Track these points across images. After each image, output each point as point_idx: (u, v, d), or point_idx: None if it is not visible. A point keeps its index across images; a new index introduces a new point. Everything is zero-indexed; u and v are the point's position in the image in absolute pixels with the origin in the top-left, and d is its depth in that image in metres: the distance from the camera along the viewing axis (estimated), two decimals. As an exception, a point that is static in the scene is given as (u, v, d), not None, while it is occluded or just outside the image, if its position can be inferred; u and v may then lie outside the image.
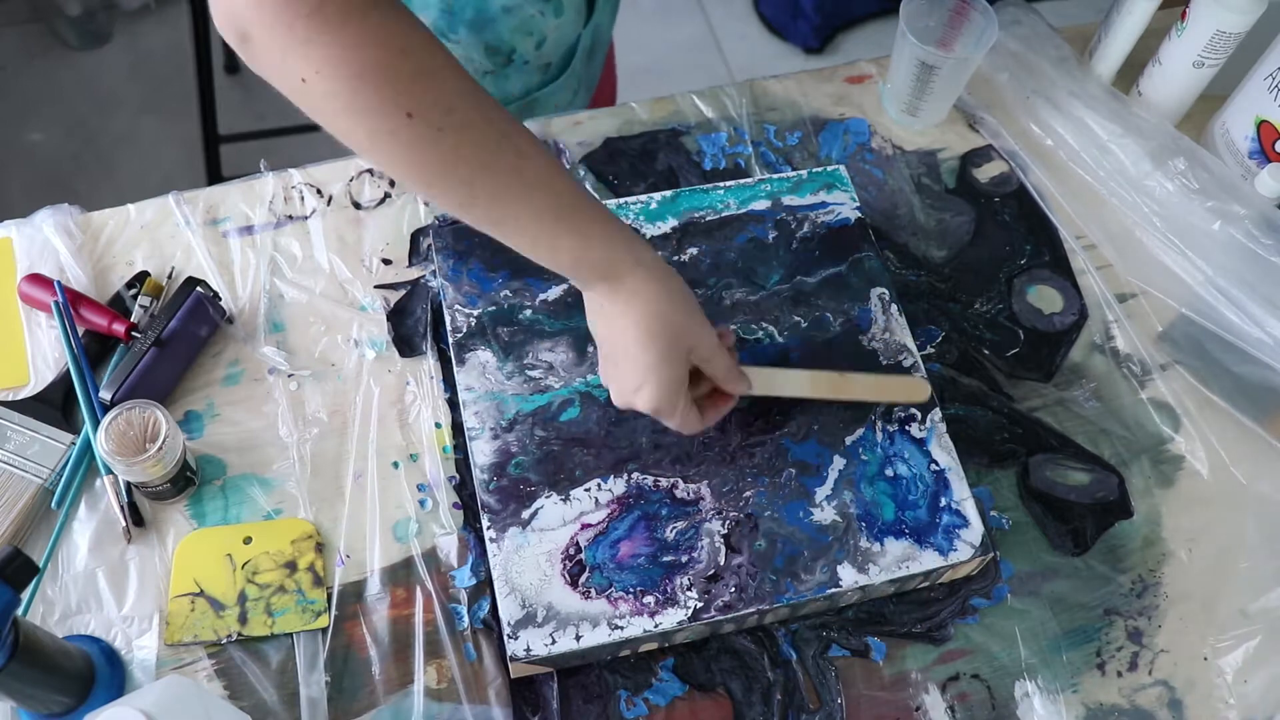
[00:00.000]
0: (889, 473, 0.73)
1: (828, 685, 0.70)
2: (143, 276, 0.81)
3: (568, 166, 0.90)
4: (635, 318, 0.65)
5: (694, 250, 0.82)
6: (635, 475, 0.72)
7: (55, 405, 0.76)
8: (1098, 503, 0.78)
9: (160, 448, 0.68)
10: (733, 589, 0.68)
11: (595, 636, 0.66)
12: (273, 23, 0.53)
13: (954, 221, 0.90)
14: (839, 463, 0.73)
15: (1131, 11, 0.89)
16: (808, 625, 0.72)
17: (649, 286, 0.65)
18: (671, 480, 0.72)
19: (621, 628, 0.67)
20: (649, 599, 0.68)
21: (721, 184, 0.85)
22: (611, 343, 0.67)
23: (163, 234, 0.84)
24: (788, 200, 0.85)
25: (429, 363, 0.80)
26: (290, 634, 0.70)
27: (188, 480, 0.73)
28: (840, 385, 0.74)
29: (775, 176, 0.86)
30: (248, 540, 0.72)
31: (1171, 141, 0.88)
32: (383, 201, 0.87)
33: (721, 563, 0.69)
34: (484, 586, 0.72)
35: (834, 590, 0.69)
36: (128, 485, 0.72)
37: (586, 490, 0.72)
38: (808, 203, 0.84)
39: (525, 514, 0.70)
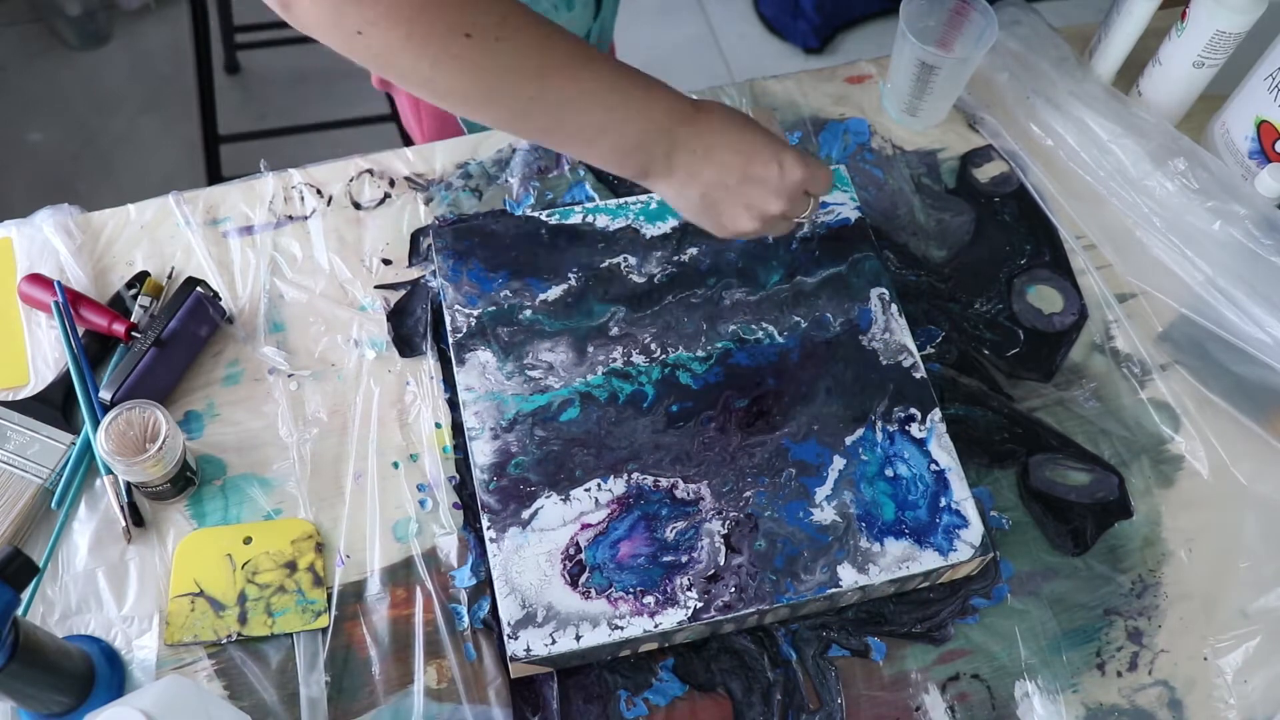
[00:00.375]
0: (889, 473, 0.73)
1: (828, 685, 0.70)
2: (143, 276, 0.81)
3: (568, 167, 0.90)
4: (737, 127, 0.68)
5: (694, 250, 0.82)
6: (635, 475, 0.72)
7: (55, 405, 0.76)
8: (1098, 503, 0.78)
9: (160, 448, 0.68)
10: (733, 589, 0.68)
11: (595, 636, 0.66)
12: None
13: (954, 221, 0.90)
14: (839, 463, 0.73)
15: (1131, 11, 0.89)
16: (808, 625, 0.72)
17: (723, 108, 0.69)
18: (671, 480, 0.72)
19: (621, 628, 0.67)
20: (649, 599, 0.68)
21: (721, 184, 0.85)
22: (728, 166, 0.68)
23: (163, 234, 0.84)
24: (788, 200, 0.84)
25: (429, 363, 0.80)
26: (290, 634, 0.70)
27: (188, 480, 0.73)
28: None
29: (775, 176, 0.86)
30: (248, 540, 0.72)
31: (1171, 141, 0.88)
32: (383, 201, 0.87)
33: (721, 563, 0.69)
34: (484, 586, 0.72)
35: (834, 590, 0.69)
36: (128, 485, 0.72)
37: (586, 490, 0.72)
38: (808, 203, 0.84)
39: (525, 514, 0.70)
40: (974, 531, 0.71)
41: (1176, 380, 0.83)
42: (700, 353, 0.77)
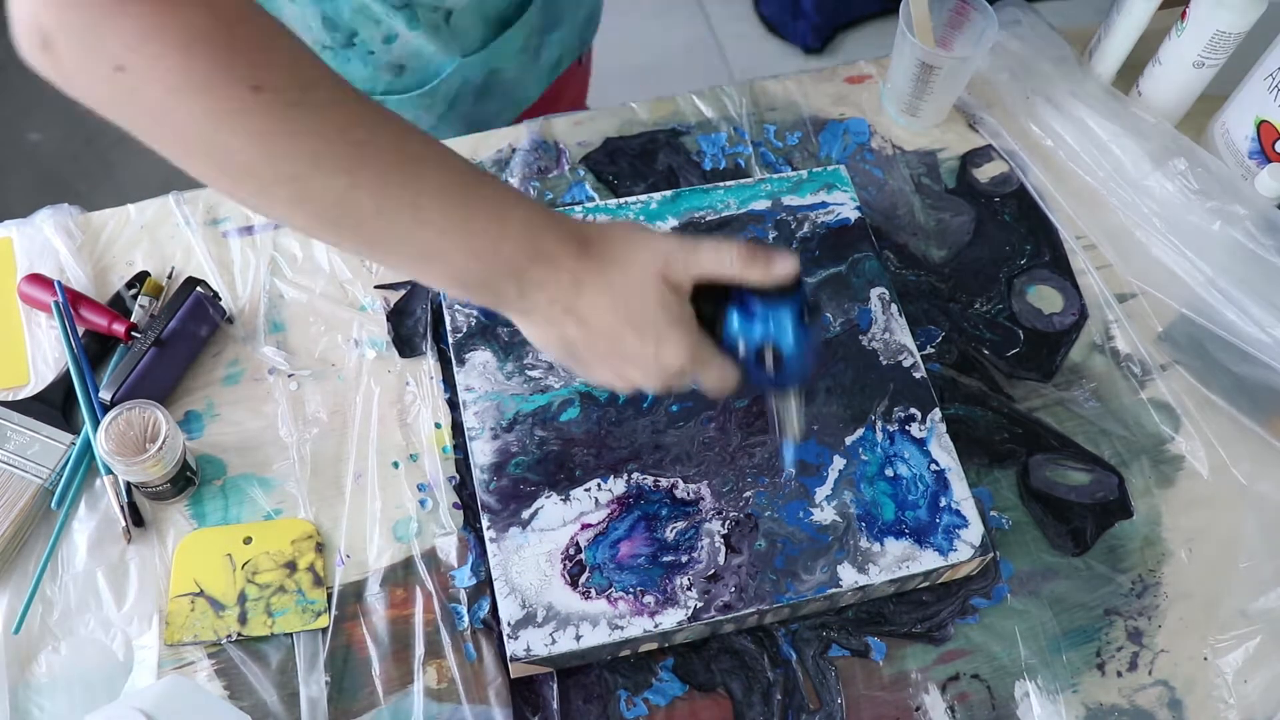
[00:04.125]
0: (889, 473, 0.73)
1: (828, 685, 0.70)
2: (143, 276, 0.81)
3: (567, 167, 0.90)
4: (608, 276, 0.53)
5: (694, 250, 0.82)
6: (635, 475, 0.72)
7: (55, 405, 0.76)
8: (1098, 503, 0.78)
9: (160, 448, 0.68)
10: (733, 589, 0.68)
11: (595, 636, 0.66)
12: (72, 3, 0.44)
13: (954, 221, 0.90)
14: (839, 463, 0.73)
15: (1131, 11, 0.89)
16: (808, 625, 0.72)
17: (626, 241, 0.54)
18: (671, 480, 0.72)
19: (621, 628, 0.67)
20: (649, 599, 0.68)
21: (721, 184, 0.85)
22: (592, 325, 0.55)
23: (163, 234, 0.84)
24: (788, 200, 0.85)
25: (429, 363, 0.80)
26: (290, 634, 0.70)
27: (188, 480, 0.73)
28: None
29: (775, 176, 0.86)
30: (248, 540, 0.72)
31: (1171, 141, 0.88)
32: (383, 201, 0.87)
33: (721, 563, 0.69)
34: (484, 586, 0.72)
35: (834, 590, 0.69)
36: (128, 485, 0.72)
37: (586, 490, 0.72)
38: (808, 203, 0.84)
39: (525, 514, 0.70)
40: (974, 531, 0.71)
41: (1176, 380, 0.83)
42: (700, 353, 0.77)
